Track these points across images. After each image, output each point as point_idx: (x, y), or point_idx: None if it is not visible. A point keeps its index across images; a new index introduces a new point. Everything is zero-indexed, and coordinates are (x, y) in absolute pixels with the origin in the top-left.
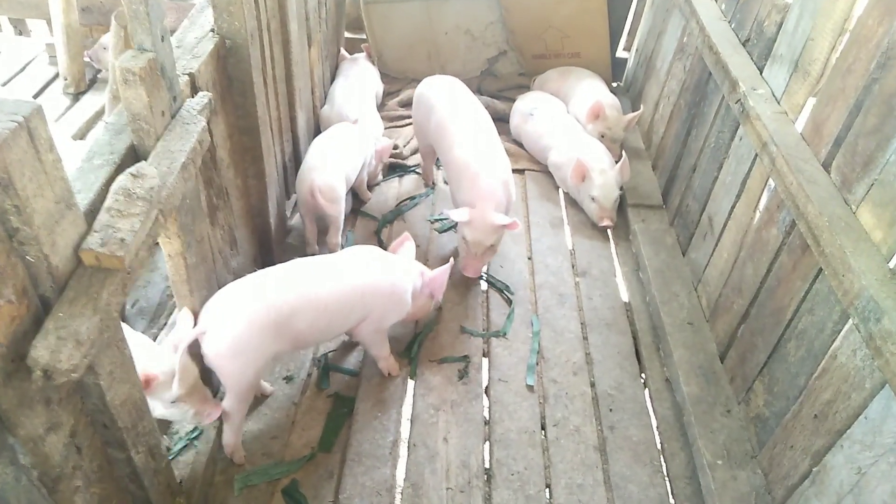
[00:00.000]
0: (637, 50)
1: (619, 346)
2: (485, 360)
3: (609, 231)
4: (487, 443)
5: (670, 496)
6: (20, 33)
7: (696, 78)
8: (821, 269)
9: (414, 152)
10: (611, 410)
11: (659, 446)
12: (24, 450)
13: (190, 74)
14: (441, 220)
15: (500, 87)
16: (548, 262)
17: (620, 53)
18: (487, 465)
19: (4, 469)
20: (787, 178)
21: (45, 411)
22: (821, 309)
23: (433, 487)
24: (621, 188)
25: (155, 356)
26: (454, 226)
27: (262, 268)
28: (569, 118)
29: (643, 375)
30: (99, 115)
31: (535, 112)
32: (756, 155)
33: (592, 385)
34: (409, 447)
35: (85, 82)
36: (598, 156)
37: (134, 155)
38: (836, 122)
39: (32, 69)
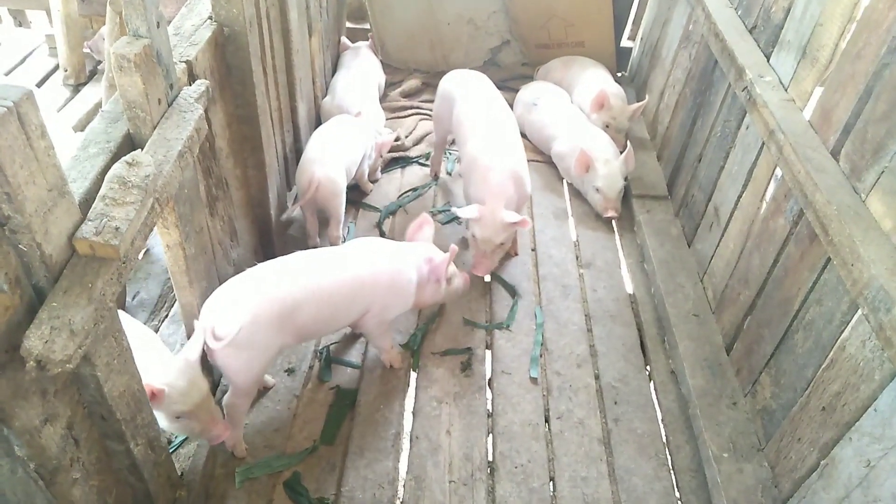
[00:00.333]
0: (642, 39)
1: (623, 338)
2: (488, 353)
3: (613, 222)
4: (491, 435)
5: (675, 489)
6: (20, 24)
7: (702, 66)
8: (829, 259)
9: (416, 143)
10: (615, 403)
11: (664, 439)
12: (20, 441)
13: (187, 62)
14: (444, 211)
15: (503, 77)
16: (551, 253)
17: (625, 43)
18: (491, 458)
19: (0, 461)
20: (795, 166)
21: (40, 402)
22: (829, 299)
23: (436, 480)
24: (626, 178)
25: (166, 367)
26: (457, 217)
27: (263, 260)
28: (573, 108)
29: (648, 368)
30: (99, 106)
31: (538, 102)
32: (763, 143)
33: (597, 377)
34: (411, 440)
35: (85, 73)
36: (603, 146)
37: (130, 143)
38: (845, 108)
39: (32, 61)
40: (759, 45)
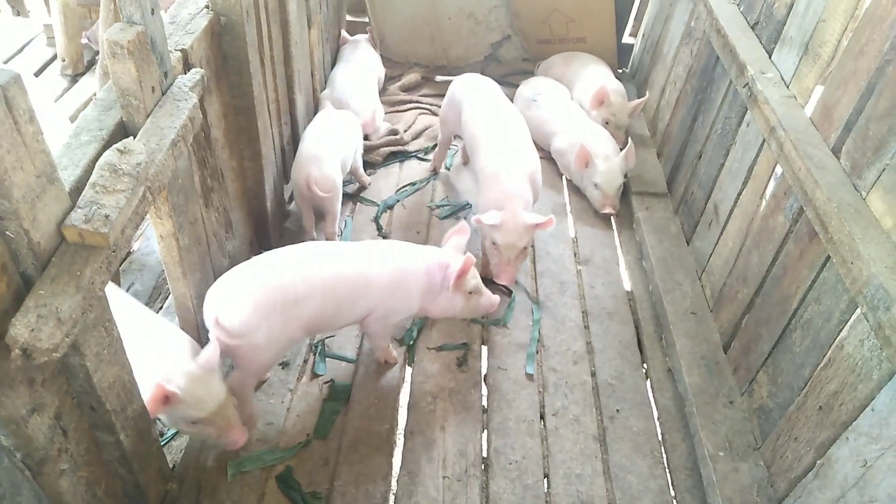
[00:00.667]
0: (644, 35)
1: (620, 336)
2: (484, 348)
3: (612, 219)
4: (485, 431)
5: (670, 487)
6: (18, 14)
7: (704, 63)
8: (828, 257)
9: (415, 137)
10: (611, 400)
11: (660, 437)
12: (6, 431)
13: (182, 51)
14: (442, 206)
15: (503, 72)
16: (549, 249)
17: (627, 39)
18: (485, 454)
19: None
20: (795, 163)
21: (27, 392)
22: (828, 298)
23: (429, 476)
24: (625, 175)
25: (183, 370)
26: (455, 212)
27: (259, 252)
28: (573, 104)
29: (645, 365)
30: None
31: (538, 98)
32: (763, 141)
33: (593, 374)
34: (405, 435)
35: (83, 64)
36: (602, 142)
37: (123, 131)
38: (847, 105)
39: (30, 50)
40: (761, 42)
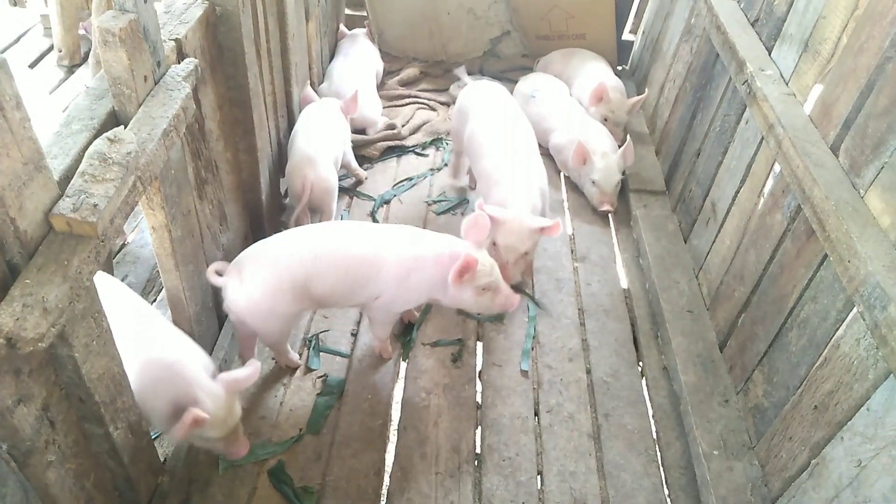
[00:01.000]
0: (643, 32)
1: (616, 333)
2: (479, 344)
3: (610, 216)
4: (479, 428)
5: (664, 486)
6: (15, 4)
7: (703, 60)
8: (825, 256)
9: (413, 132)
10: (606, 398)
11: (654, 435)
12: None
13: (176, 40)
14: (439, 201)
15: (502, 68)
16: (546, 246)
17: (626, 36)
18: (478, 451)
19: None
20: (794, 161)
21: (13, 382)
22: (824, 297)
23: (422, 472)
24: (623, 173)
25: (208, 392)
26: (452, 207)
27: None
28: (571, 101)
29: (640, 363)
30: None
31: (536, 94)
32: (762, 138)
33: (588, 372)
34: (398, 430)
35: (80, 55)
36: (601, 139)
37: (115, 121)
38: (846, 103)
39: (27, 41)
40: (760, 39)
